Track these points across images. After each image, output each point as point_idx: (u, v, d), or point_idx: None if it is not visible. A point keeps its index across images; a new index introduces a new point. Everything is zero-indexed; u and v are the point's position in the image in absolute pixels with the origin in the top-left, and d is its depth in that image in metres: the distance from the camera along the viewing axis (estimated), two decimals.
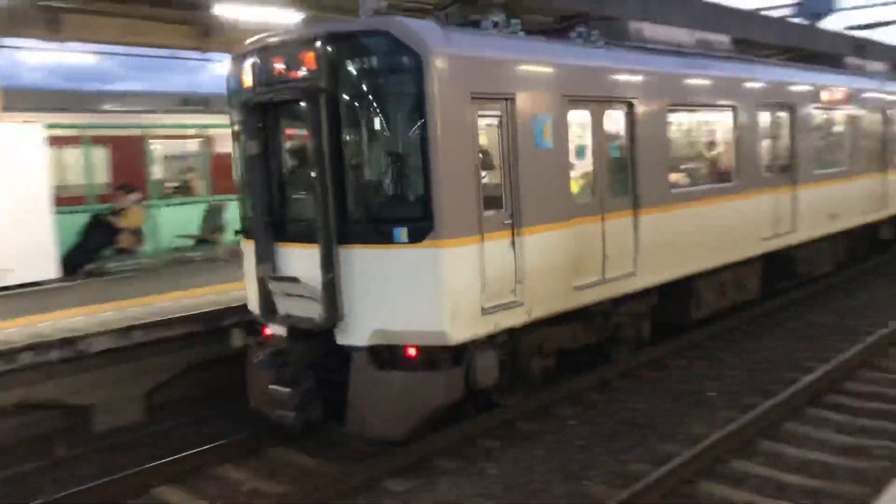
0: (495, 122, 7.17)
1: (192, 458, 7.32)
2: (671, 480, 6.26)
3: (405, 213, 6.78)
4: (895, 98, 15.85)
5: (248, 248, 7.60)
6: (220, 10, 11.65)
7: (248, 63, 7.30)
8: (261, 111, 7.22)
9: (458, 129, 6.72)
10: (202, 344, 9.09)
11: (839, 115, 13.80)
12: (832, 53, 17.38)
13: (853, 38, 21.44)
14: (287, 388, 6.87)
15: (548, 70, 7.87)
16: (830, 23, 39.21)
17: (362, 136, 6.99)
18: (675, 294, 9.68)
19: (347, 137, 6.88)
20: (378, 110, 6.90)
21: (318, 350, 7.09)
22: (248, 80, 7.31)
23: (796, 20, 28.77)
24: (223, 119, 9.13)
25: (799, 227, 11.96)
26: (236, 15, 11.72)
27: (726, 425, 7.26)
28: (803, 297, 13.05)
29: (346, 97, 6.81)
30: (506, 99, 7.22)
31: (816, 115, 12.85)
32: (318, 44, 6.75)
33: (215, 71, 23.50)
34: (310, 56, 6.77)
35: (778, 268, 11.93)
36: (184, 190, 16.92)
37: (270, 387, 6.98)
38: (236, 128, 7.72)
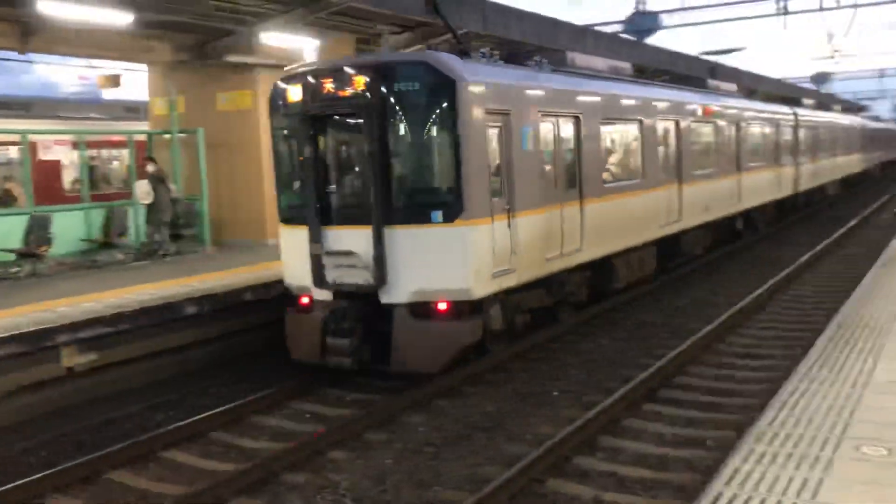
0: (497, 130, 9.23)
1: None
2: (520, 481, 6.37)
3: (440, 200, 8.79)
4: (745, 113, 18.93)
5: (289, 233, 9.62)
6: (42, 8, 10.90)
7: (298, 84, 9.07)
8: (311, 122, 8.98)
9: (478, 135, 8.84)
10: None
11: (707, 127, 16.53)
12: (697, 76, 20.87)
13: (707, 62, 25.68)
14: (343, 338, 8.80)
15: (529, 91, 10.08)
16: (656, 40, 41.63)
17: (405, 141, 9.00)
18: (602, 269, 12.05)
19: (392, 141, 8.82)
20: (418, 121, 8.90)
21: (364, 309, 8.91)
22: (297, 97, 9.07)
23: (625, 36, 30.38)
24: (47, 124, 8.70)
25: (684, 217, 14.62)
26: (60, 13, 11.01)
27: (570, 424, 7.50)
28: (634, 298, 13.75)
29: (391, 111, 8.75)
30: (505, 113, 9.33)
31: (693, 127, 15.53)
32: (369, 70, 8.69)
33: (38, 73, 22.20)
34: (360, 79, 8.65)
35: (667, 249, 14.52)
36: (2, 200, 15.69)
37: (328, 338, 8.90)
38: (284, 133, 9.62)
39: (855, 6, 41.12)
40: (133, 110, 23.16)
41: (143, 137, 15.06)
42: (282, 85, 9.45)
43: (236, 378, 10.08)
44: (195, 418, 8.24)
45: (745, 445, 4.62)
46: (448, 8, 14.01)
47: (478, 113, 8.84)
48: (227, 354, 11.02)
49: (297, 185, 9.54)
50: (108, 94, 23.32)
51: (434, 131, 9.01)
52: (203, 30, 13.63)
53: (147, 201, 12.56)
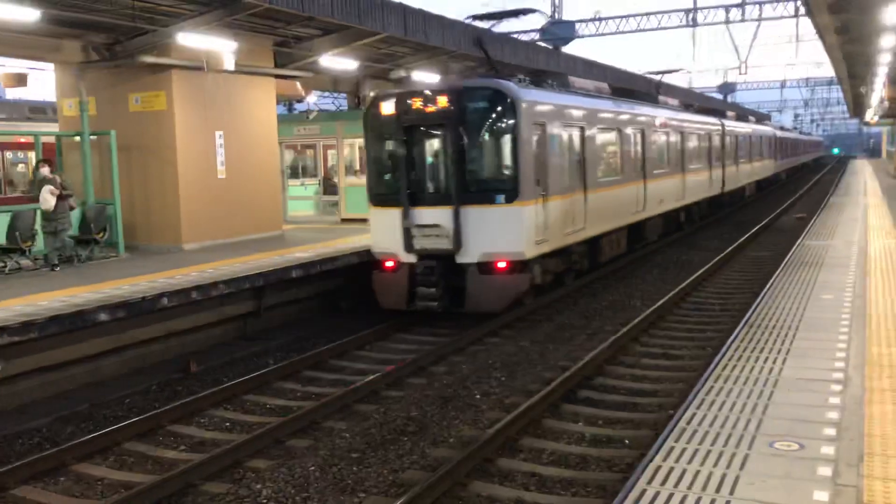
0: (538, 137, 12.26)
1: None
2: (444, 484, 6.40)
3: (502, 187, 11.80)
4: (685, 124, 22.14)
5: (379, 212, 12.56)
6: None
7: (391, 102, 12.02)
8: (404, 131, 11.92)
9: (529, 141, 11.90)
10: None
11: (662, 135, 19.72)
12: (647, 91, 24.12)
13: (653, 80, 28.87)
14: (432, 288, 11.80)
15: (555, 108, 13.30)
16: (571, 49, 42.40)
17: (477, 144, 12.01)
18: (593, 247, 15.19)
19: (467, 144, 11.81)
20: (488, 130, 12.06)
21: (443, 267, 11.86)
22: (390, 112, 11.99)
23: (542, 44, 30.93)
24: None
25: (647, 208, 18.04)
26: None
27: (492, 426, 7.57)
28: (554, 301, 14.00)
29: (468, 122, 11.75)
30: (542, 124, 12.45)
31: (653, 134, 18.73)
32: (451, 93, 11.66)
33: None
34: (444, 99, 11.59)
35: (634, 234, 17.71)
36: None
37: (421, 289, 11.86)
38: (378, 138, 12.62)
39: (759, 20, 42.89)
40: (39, 111, 22.30)
41: (51, 139, 14.50)
42: (377, 102, 12.33)
43: (156, 386, 9.82)
44: (109, 429, 7.97)
45: (666, 444, 4.76)
46: (371, 13, 14.23)
47: (529, 124, 12.01)
48: (146, 361, 10.75)
49: (388, 176, 12.58)
50: (13, 93, 22.39)
51: (499, 137, 12.21)
52: (115, 29, 13.23)
53: (46, 207, 11.94)
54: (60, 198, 11.93)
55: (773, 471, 4.28)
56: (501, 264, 11.80)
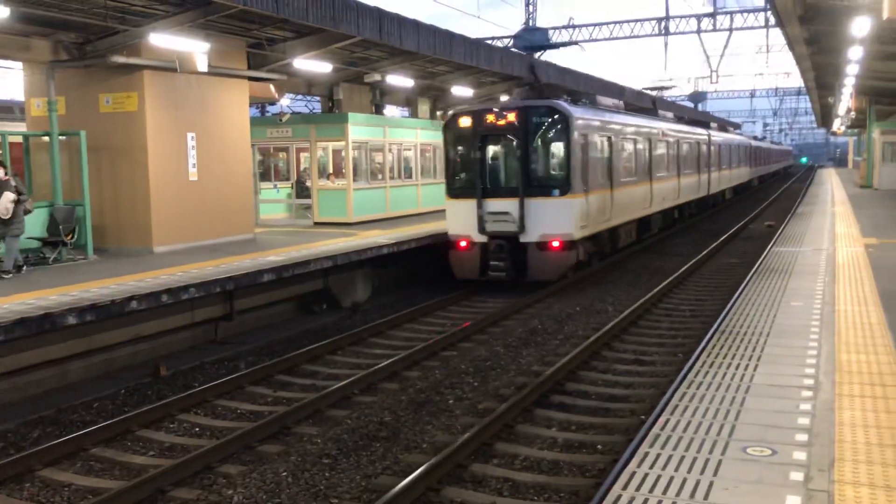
0: (582, 144, 15.21)
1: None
2: (417, 490, 6.37)
3: (557, 183, 14.77)
4: (680, 134, 25.24)
5: (455, 203, 15.51)
6: None
7: (468, 116, 15.21)
8: (479, 139, 14.92)
9: (577, 147, 14.86)
10: None
11: (663, 143, 22.64)
12: (650, 106, 27.34)
13: (650, 96, 32.81)
14: (501, 262, 14.68)
15: (593, 122, 16.35)
16: (547, 56, 42.65)
17: (538, 150, 14.98)
18: (614, 235, 18.31)
19: (530, 150, 14.84)
20: (546, 139, 15.01)
21: (510, 246, 14.76)
22: (467, 124, 15.16)
23: (515, 51, 30.99)
24: None
25: (653, 205, 21.34)
26: None
27: (466, 431, 7.55)
28: (527, 305, 14.04)
29: (531, 132, 14.82)
30: (585, 134, 15.44)
31: (657, 143, 21.80)
32: (517, 110, 14.75)
33: None
34: (512, 115, 14.67)
35: (642, 227, 20.91)
36: None
37: (492, 262, 14.73)
38: (456, 144, 15.56)
39: (730, 30, 43.43)
40: (7, 110, 21.94)
41: (18, 139, 14.24)
42: (456, 116, 15.64)
43: (125, 391, 9.68)
44: (76, 434, 7.84)
45: (640, 449, 4.77)
46: (346, 16, 14.21)
47: (577, 134, 15.04)
48: (114, 365, 10.60)
49: (464, 174, 15.58)
50: None
51: (555, 145, 15.16)
52: (86, 28, 13.05)
53: (6, 216, 11.54)
54: (17, 202, 11.60)
55: (747, 476, 4.31)
56: (555, 243, 14.87)
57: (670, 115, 27.99)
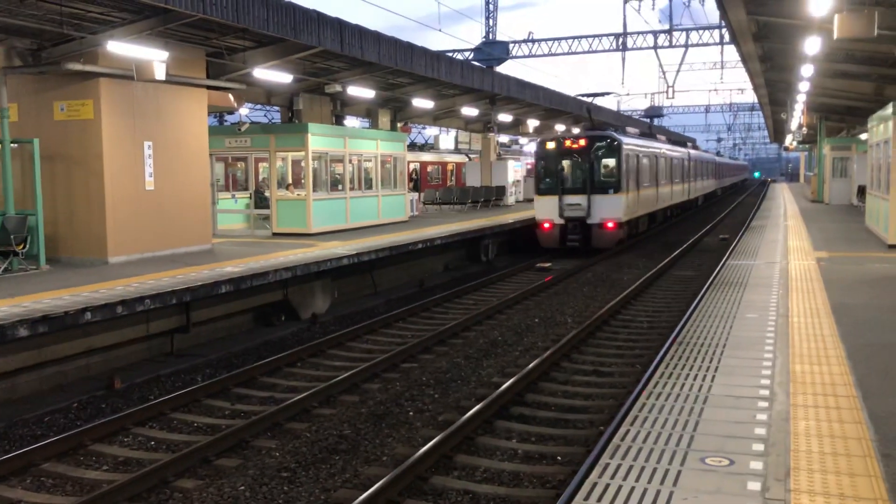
0: (626, 160, 23.21)
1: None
2: (377, 503, 6.32)
3: (611, 184, 22.70)
4: (670, 152, 32.80)
5: (542, 199, 23.13)
6: None
7: (553, 141, 23.45)
8: (557, 157, 23.00)
9: (625, 163, 23.04)
10: None
11: (664, 159, 30.79)
12: (650, 132, 35.65)
13: (648, 122, 44.18)
14: (576, 235, 22.51)
15: (634, 146, 24.46)
16: (505, 69, 42.88)
17: (599, 164, 22.81)
18: (638, 222, 26.00)
19: (594, 164, 22.80)
20: (605, 157, 22.97)
21: (580, 225, 22.45)
22: (552, 147, 23.25)
23: (476, 64, 31.10)
24: None
25: (658, 204, 29.51)
26: None
27: (426, 443, 7.53)
28: (486, 317, 14.07)
29: (595, 152, 22.86)
30: (628, 154, 23.60)
31: (661, 159, 29.83)
32: (587, 138, 23.07)
33: None
34: (583, 141, 22.88)
35: (650, 220, 28.82)
36: None
37: (569, 235, 22.60)
38: (544, 160, 23.45)
39: (685, 46, 44.18)
40: None
41: None
42: (545, 141, 23.57)
43: (78, 404, 9.47)
44: (26, 449, 7.63)
45: (601, 460, 4.79)
46: (307, 27, 14.17)
47: (623, 154, 22.81)
48: (67, 377, 10.37)
49: (549, 179, 23.12)
50: None
51: (611, 161, 22.72)
52: (40, 34, 12.80)
53: None
54: None
55: (705, 486, 4.35)
56: (610, 224, 22.65)
57: (663, 137, 37.55)
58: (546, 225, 23.12)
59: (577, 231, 22.80)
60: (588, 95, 29.28)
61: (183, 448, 7.81)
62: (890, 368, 6.84)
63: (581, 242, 22.70)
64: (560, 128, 36.73)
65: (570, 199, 22.91)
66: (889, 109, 15.99)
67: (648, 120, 63.67)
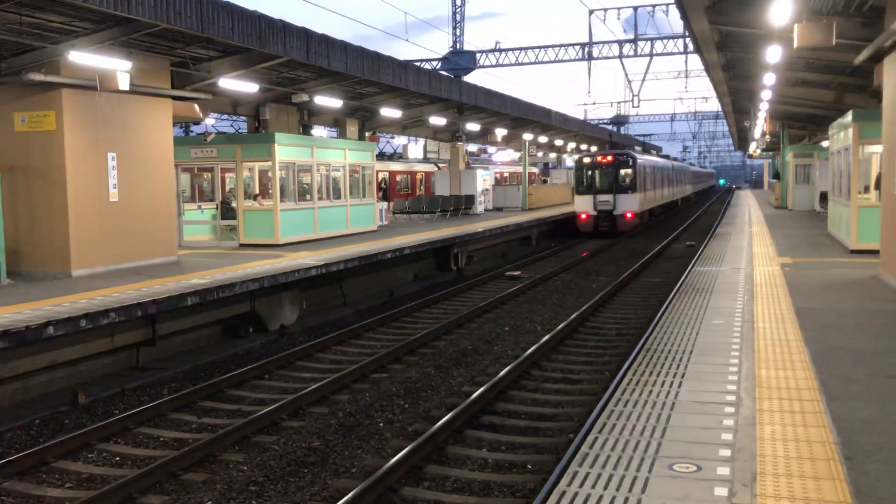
0: (640, 170, 34.15)
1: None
2: None
3: (630, 187, 33.16)
4: (665, 163, 44.33)
5: (580, 197, 33.38)
6: None
7: (588, 157, 34.04)
8: (592, 168, 33.38)
9: (639, 174, 33.88)
10: None
11: (661, 169, 41.96)
12: (647, 147, 52.37)
13: (641, 141, 56.16)
14: (606, 223, 32.56)
15: (645, 163, 35.92)
16: (471, 78, 43.07)
17: (621, 174, 33.19)
18: (645, 214, 37.31)
19: (619, 173, 33.22)
20: (625, 167, 33.39)
21: (609, 216, 32.59)
22: (588, 161, 33.66)
23: (443, 73, 31.18)
24: None
25: (655, 202, 39.59)
26: None
27: (396, 454, 7.49)
28: (456, 326, 14.06)
29: (619, 165, 33.36)
30: (641, 167, 34.61)
31: (660, 169, 41.68)
32: (614, 154, 33.87)
33: None
34: (610, 157, 33.48)
35: (652, 213, 39.98)
36: None
37: (601, 223, 32.54)
38: (582, 171, 33.56)
39: (650, 55, 44.66)
40: None
41: None
42: (582, 157, 34.01)
43: (41, 420, 9.29)
44: None
45: (570, 468, 4.80)
46: (272, 36, 14.11)
47: (640, 168, 33.85)
48: (29, 393, 10.17)
49: (586, 182, 32.94)
50: None
51: (629, 170, 32.95)
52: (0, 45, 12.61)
53: None
54: None
55: (673, 493, 4.37)
56: (629, 214, 31.93)
57: (654, 152, 53.76)
58: (584, 216, 32.90)
59: (607, 220, 32.56)
60: (608, 123, 36.33)
61: (149, 463, 7.69)
62: (852, 372, 6.94)
63: (609, 228, 32.43)
64: (528, 136, 36.92)
65: (601, 197, 32.65)
66: (849, 117, 16.28)
67: (614, 128, 65.71)
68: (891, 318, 9.43)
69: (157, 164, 15.29)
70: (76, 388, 10.28)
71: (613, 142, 42.52)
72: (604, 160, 33.21)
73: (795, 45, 11.54)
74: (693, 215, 46.59)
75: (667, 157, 54.31)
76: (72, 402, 9.95)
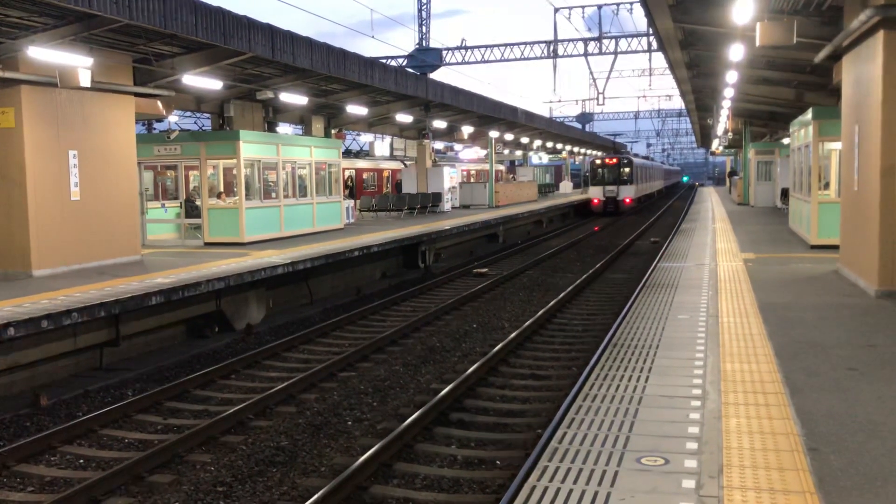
0: (637, 169, 49.50)
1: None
2: None
3: (629, 180, 47.19)
4: (648, 164, 60.45)
5: (593, 188, 47.52)
6: None
7: (600, 160, 48.35)
8: (602, 167, 47.44)
9: (635, 170, 48.57)
10: None
11: (648, 168, 59.26)
12: (636, 152, 74.22)
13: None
14: (611, 206, 46.34)
15: (637, 162, 51.00)
16: (438, 75, 42.92)
17: (624, 172, 47.25)
18: (637, 200, 50.67)
19: (621, 172, 47.14)
20: (625, 168, 47.44)
21: (613, 201, 46.48)
22: (599, 162, 47.99)
23: (410, 70, 31.16)
24: None
25: (644, 192, 55.56)
26: None
27: (364, 452, 7.47)
28: (424, 324, 14.06)
29: (621, 166, 47.43)
30: (637, 166, 49.77)
31: (648, 169, 59.84)
32: (618, 157, 48.68)
33: None
34: (616, 160, 47.65)
35: (639, 200, 52.72)
36: None
37: (608, 206, 46.35)
38: (594, 170, 47.92)
39: (615, 53, 45.00)
40: None
41: None
42: (595, 160, 48.87)
43: (1, 423, 9.12)
44: None
45: (540, 463, 4.82)
46: (237, 32, 13.99)
47: (635, 166, 48.13)
48: None
49: (597, 178, 46.95)
50: None
51: (627, 169, 46.94)
52: None
53: None
54: None
55: (642, 486, 4.42)
56: (627, 200, 46.20)
57: (641, 154, 71.32)
58: (595, 201, 46.44)
59: (612, 204, 45.85)
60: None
61: (113, 465, 7.58)
62: (814, 365, 7.07)
63: (613, 209, 45.65)
64: (494, 134, 36.97)
65: (608, 188, 46.24)
66: (809, 115, 16.56)
67: (580, 126, 67.72)
68: (850, 312, 9.61)
69: (119, 161, 15.07)
70: (37, 391, 10.10)
71: (617, 148, 62.93)
72: (610, 162, 47.23)
73: (757, 43, 11.71)
74: (658, 211, 47.14)
75: (647, 157, 71.56)
76: (33, 405, 9.77)
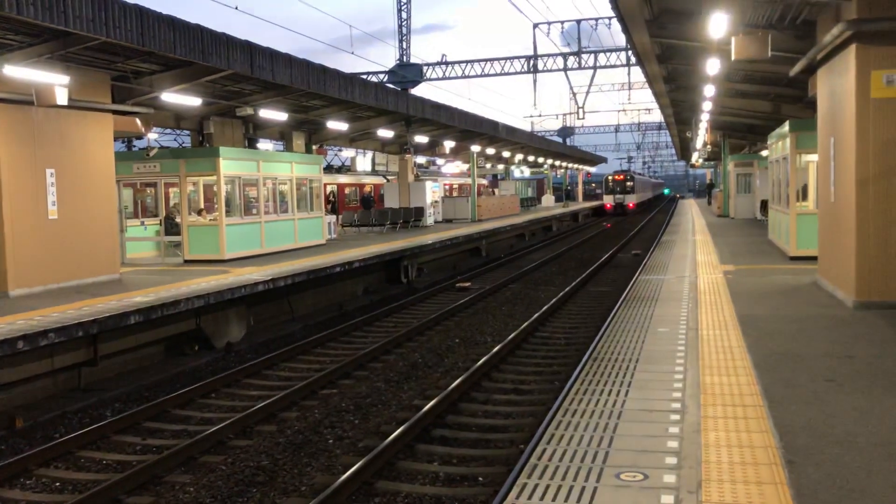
0: (637, 183, 67.44)
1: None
2: None
3: (632, 191, 64.98)
4: (642, 178, 79.98)
5: (607, 196, 64.68)
6: None
7: (611, 174, 66.10)
8: (613, 182, 64.92)
9: (636, 184, 66.81)
10: None
11: (643, 182, 78.47)
12: (633, 170, 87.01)
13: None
14: (619, 209, 63.69)
15: (637, 178, 68.92)
16: (419, 91, 43.21)
17: (627, 184, 64.61)
18: (637, 205, 68.14)
19: (626, 184, 64.67)
20: (628, 181, 64.74)
21: (621, 206, 63.63)
22: (612, 178, 65.24)
23: (390, 86, 31.29)
24: None
25: (641, 197, 71.72)
26: None
27: (346, 471, 7.41)
28: (407, 339, 14.02)
29: (626, 181, 64.99)
30: (637, 181, 68.32)
31: (642, 181, 77.08)
32: (623, 174, 67.13)
33: None
34: (623, 175, 66.15)
35: (642, 205, 72.66)
36: None
37: (617, 210, 63.27)
38: (607, 183, 65.70)
39: (594, 67, 45.31)
40: None
41: None
42: (608, 176, 65.88)
43: None
44: None
45: (519, 480, 4.80)
46: (216, 49, 13.99)
47: (636, 181, 65.68)
48: None
49: (609, 189, 64.77)
50: None
51: (630, 182, 64.13)
52: None
53: None
54: None
55: (621, 502, 4.41)
56: (631, 205, 63.22)
57: (639, 171, 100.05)
58: (608, 205, 61.55)
59: (620, 208, 60.85)
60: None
61: (91, 487, 7.48)
62: (792, 377, 7.10)
63: (620, 212, 59.73)
64: (475, 148, 37.09)
65: (617, 196, 61.88)
66: (786, 127, 16.73)
67: (561, 140, 72.76)
68: (829, 323, 9.68)
69: (98, 179, 14.98)
70: (13, 412, 9.97)
71: (628, 168, 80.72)
72: (618, 178, 63.65)
73: (733, 57, 11.82)
74: (639, 224, 47.32)
75: (641, 174, 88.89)
76: (9, 427, 9.65)
